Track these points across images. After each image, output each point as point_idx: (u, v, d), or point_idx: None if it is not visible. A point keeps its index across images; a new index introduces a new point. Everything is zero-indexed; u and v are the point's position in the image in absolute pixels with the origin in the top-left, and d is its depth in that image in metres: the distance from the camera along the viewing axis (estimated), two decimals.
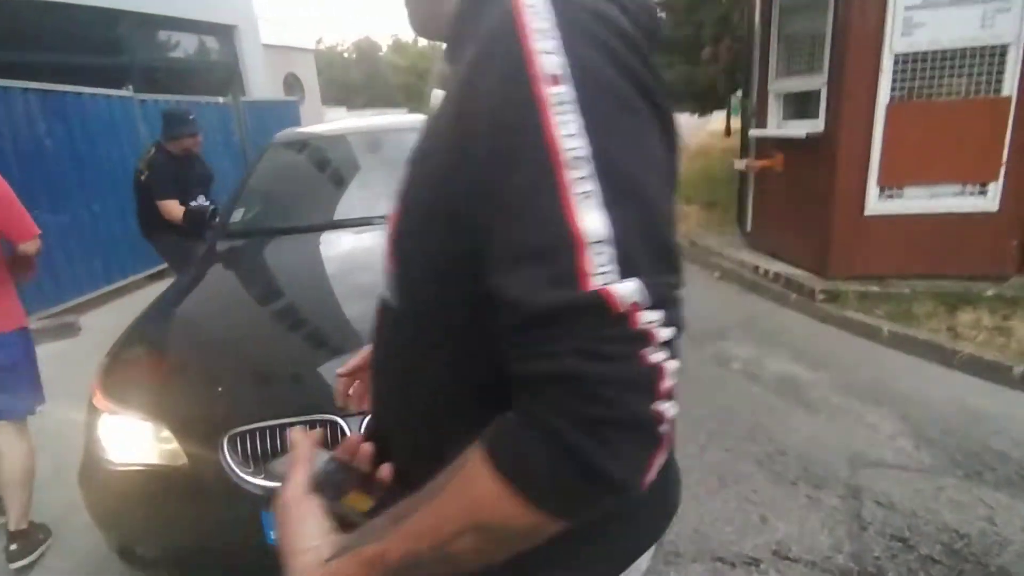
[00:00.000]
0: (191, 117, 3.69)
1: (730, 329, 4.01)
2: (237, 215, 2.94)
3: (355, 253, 2.49)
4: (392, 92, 30.47)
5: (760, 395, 3.11)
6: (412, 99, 29.37)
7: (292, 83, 20.78)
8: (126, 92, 6.50)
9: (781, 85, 4.58)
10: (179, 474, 1.64)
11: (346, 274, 2.31)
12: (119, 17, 8.47)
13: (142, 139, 6.67)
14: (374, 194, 3.04)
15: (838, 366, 3.39)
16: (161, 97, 7.07)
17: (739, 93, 13.65)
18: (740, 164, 4.88)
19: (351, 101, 26.54)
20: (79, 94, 5.79)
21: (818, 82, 4.11)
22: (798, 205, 4.44)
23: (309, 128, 3.89)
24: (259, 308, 2.19)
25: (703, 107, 14.41)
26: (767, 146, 4.76)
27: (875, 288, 4.04)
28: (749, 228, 5.28)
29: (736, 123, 18.72)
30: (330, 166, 3.29)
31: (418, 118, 4.00)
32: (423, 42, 36.06)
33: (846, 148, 3.94)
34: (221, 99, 8.45)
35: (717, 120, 23.65)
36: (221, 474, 1.60)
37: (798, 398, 3.06)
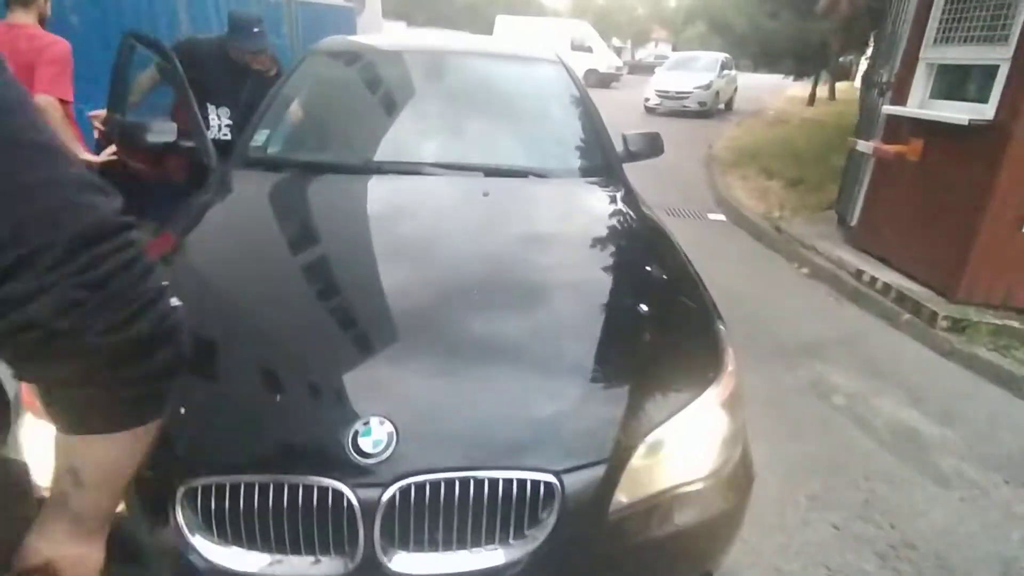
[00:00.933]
0: (256, 30, 2.89)
1: (827, 348, 3.35)
2: (260, 138, 2.34)
3: (413, 214, 1.90)
4: (457, 12, 28.96)
5: (874, 452, 2.48)
6: (476, 22, 27.84)
7: None
8: None
9: (939, 53, 3.69)
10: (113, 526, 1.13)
11: (397, 245, 1.73)
12: None
13: (183, 32, 6.07)
14: (439, 133, 2.42)
15: (970, 423, 2.72)
16: None
17: (850, 57, 12.11)
18: (864, 146, 4.05)
19: (412, 17, 25.29)
20: None
21: (998, 55, 3.24)
22: (932, 205, 3.64)
23: (361, 38, 3.22)
24: (270, 285, 1.55)
25: (803, 68, 12.79)
26: (901, 128, 3.91)
27: (1016, 324, 3.30)
28: (854, 221, 4.48)
29: (822, 91, 17.21)
30: (383, 90, 2.63)
31: (496, 43, 3.28)
32: None
33: (1021, 145, 3.11)
34: None
35: (795, 85, 21.76)
36: (170, 538, 1.09)
37: (923, 463, 2.43)
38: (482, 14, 27.53)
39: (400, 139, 2.34)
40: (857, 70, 18.18)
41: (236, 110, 2.96)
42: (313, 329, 1.40)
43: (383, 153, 2.29)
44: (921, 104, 3.83)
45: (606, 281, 1.66)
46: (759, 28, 8.83)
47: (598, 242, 1.85)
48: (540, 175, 2.20)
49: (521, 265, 1.66)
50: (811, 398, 2.85)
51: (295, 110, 2.47)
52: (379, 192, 2.06)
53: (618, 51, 41.05)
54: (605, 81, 22.54)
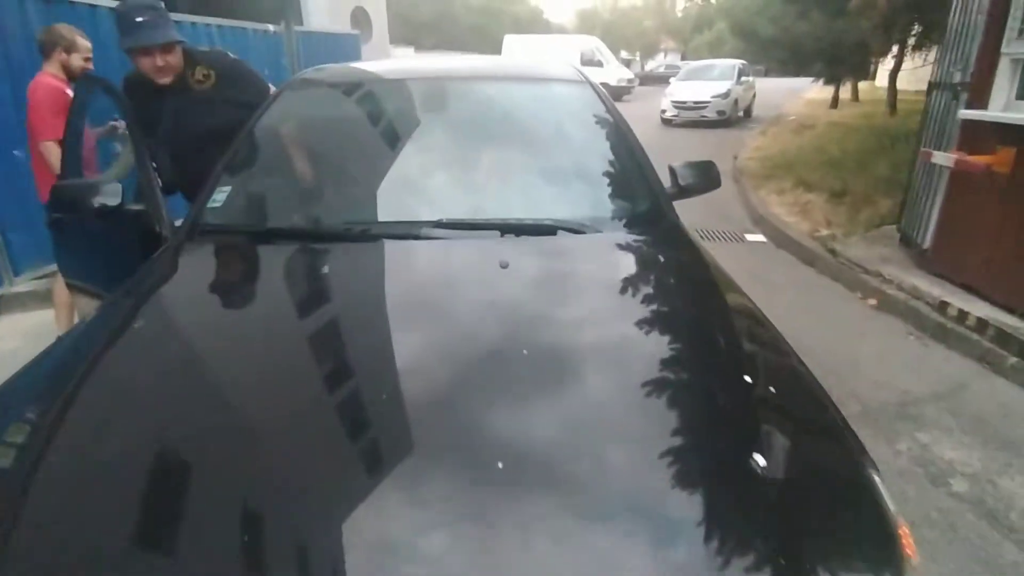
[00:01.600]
0: (140, 19, 2.08)
1: (924, 407, 2.76)
2: (220, 197, 1.87)
3: (403, 304, 1.40)
4: (464, 34, 28.86)
5: (1022, 563, 1.90)
6: (484, 43, 27.71)
7: (360, 18, 19.61)
8: None
9: None
10: None
11: (391, 362, 1.19)
12: None
13: None
14: (443, 181, 1.93)
15: None
16: (199, 19, 6.06)
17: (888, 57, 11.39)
18: (943, 158, 3.48)
19: (419, 42, 25.18)
20: (73, 3, 4.77)
21: None
22: None
23: (355, 64, 2.76)
24: (224, 411, 1.09)
25: (837, 71, 12.06)
26: (983, 136, 3.34)
27: None
28: (927, 243, 3.90)
29: (844, 92, 16.51)
30: (375, 130, 2.15)
31: (507, 63, 2.81)
32: None
33: None
34: (272, 27, 7.40)
35: (813, 88, 20.98)
36: None
37: None
38: (489, 35, 27.37)
39: (395, 193, 1.85)
40: (877, 69, 17.53)
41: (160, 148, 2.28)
42: (290, 476, 0.92)
43: (371, 212, 1.80)
44: (1007, 107, 3.26)
45: (694, 409, 1.11)
46: (788, 31, 8.30)
47: (669, 338, 1.32)
48: (573, 230, 1.69)
49: (562, 391, 1.12)
50: (923, 484, 2.27)
51: (267, 159, 2.00)
52: (363, 272, 1.56)
53: (627, 63, 40.81)
54: (618, 94, 22.09)
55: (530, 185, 1.89)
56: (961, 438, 2.54)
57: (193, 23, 5.97)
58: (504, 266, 1.48)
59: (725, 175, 8.33)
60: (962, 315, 3.33)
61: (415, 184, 1.87)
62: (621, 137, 2.09)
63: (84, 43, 3.17)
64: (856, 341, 3.43)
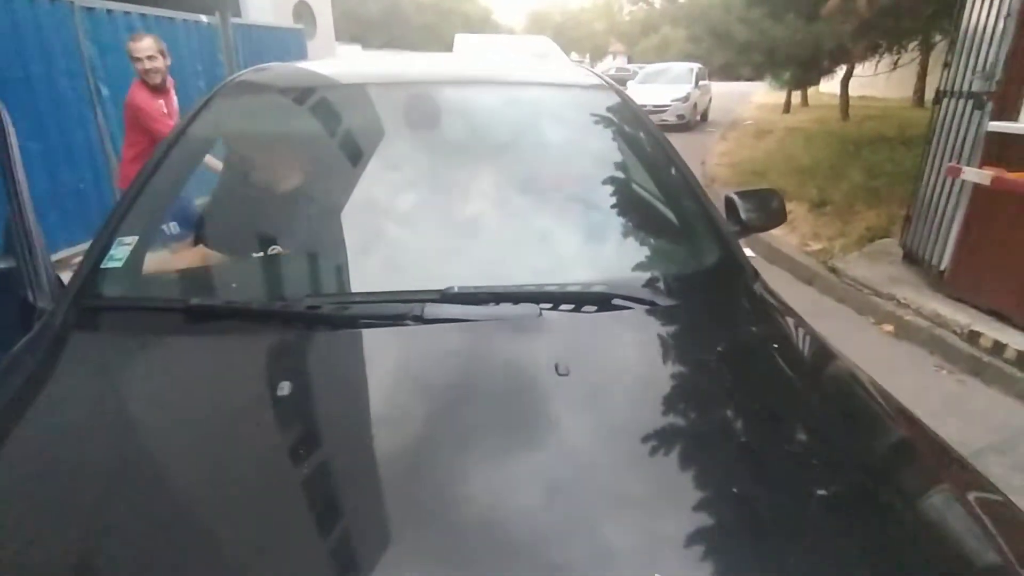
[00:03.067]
0: None
1: (986, 460, 2.41)
2: (120, 252, 1.28)
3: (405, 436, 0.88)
4: (413, 33, 27.92)
5: None
6: (434, 42, 26.97)
7: (303, 12, 18.57)
8: None
9: None
10: None
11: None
12: None
13: (88, 61, 4.94)
14: (443, 234, 1.38)
15: None
16: (114, 6, 5.26)
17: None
18: (976, 175, 3.16)
19: (367, 39, 24.15)
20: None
21: None
22: None
23: (308, 64, 2.16)
24: None
25: (808, 76, 12.08)
26: (1018, 150, 3.05)
27: None
28: (944, 265, 3.60)
29: (796, 98, 16.72)
30: (341, 157, 1.56)
31: (511, 66, 2.26)
32: None
33: None
34: (205, 18, 6.62)
35: (760, 92, 21.18)
36: None
37: None
38: (439, 34, 26.64)
39: (379, 249, 1.29)
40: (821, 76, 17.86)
41: None
42: None
43: (341, 282, 1.25)
44: None
45: None
46: (764, 33, 8.11)
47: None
48: (639, 299, 1.18)
49: None
50: None
51: (189, 198, 1.41)
52: (333, 398, 0.99)
53: (579, 66, 40.88)
54: None
55: (567, 235, 1.37)
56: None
57: (109, 10, 5.18)
58: (563, 374, 0.96)
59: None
60: (998, 347, 3.03)
61: (405, 236, 1.31)
62: (669, 161, 1.60)
63: (133, 45, 3.26)
64: (884, 376, 3.05)
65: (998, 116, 3.16)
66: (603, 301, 1.17)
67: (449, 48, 23.22)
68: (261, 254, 1.27)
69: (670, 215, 1.52)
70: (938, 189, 3.70)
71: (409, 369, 1.03)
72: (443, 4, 29.36)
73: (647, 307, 1.18)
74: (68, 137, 4.71)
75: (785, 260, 4.83)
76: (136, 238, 1.30)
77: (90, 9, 4.97)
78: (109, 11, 5.20)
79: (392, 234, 1.31)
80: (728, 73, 17.37)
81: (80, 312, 1.17)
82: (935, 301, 3.55)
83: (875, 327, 3.68)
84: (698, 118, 14.75)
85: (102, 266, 1.25)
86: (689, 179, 1.58)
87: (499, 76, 1.90)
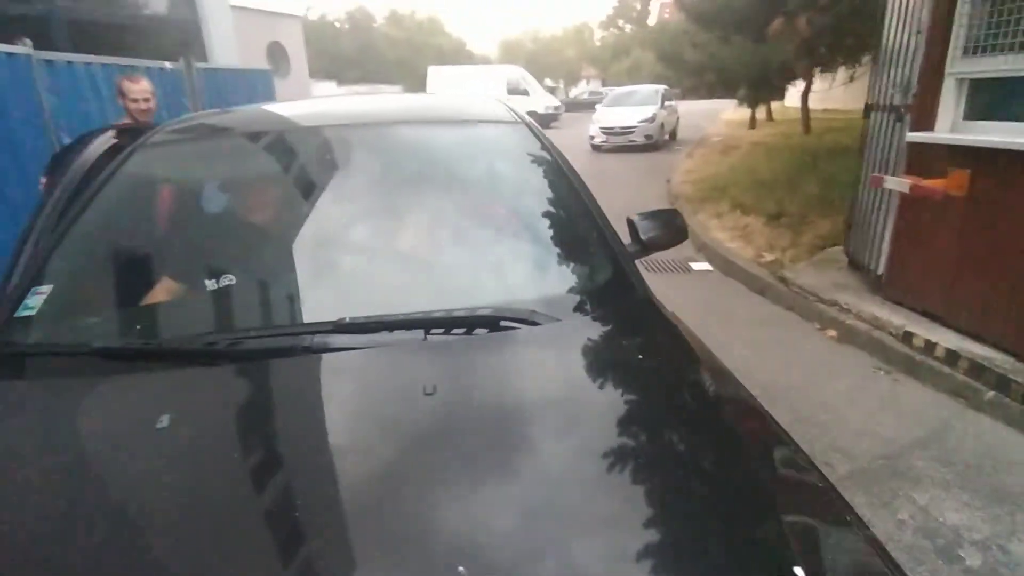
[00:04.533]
0: None
1: (912, 455, 2.50)
2: (33, 302, 1.35)
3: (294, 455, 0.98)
4: (387, 67, 28.41)
5: None
6: (408, 76, 27.43)
7: (275, 52, 18.88)
8: (22, 48, 4.82)
9: (973, 66, 3.02)
10: None
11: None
12: None
13: (49, 111, 5.03)
14: (339, 266, 1.48)
15: None
16: (76, 58, 5.39)
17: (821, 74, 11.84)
18: (896, 183, 3.32)
19: (342, 75, 24.54)
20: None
21: None
22: (993, 247, 2.92)
23: (239, 110, 2.26)
24: None
25: (761, 93, 12.48)
26: (933, 158, 3.22)
27: None
28: (881, 269, 3.75)
29: (761, 113, 17.17)
30: (266, 191, 1.66)
31: (423, 101, 2.38)
32: (422, 14, 33.97)
33: None
34: (169, 64, 6.75)
35: (729, 109, 21.70)
36: None
37: None
38: (412, 68, 27.11)
39: (274, 286, 1.38)
40: (786, 90, 18.39)
41: None
42: None
43: (241, 318, 1.33)
44: (954, 128, 3.15)
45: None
46: (714, 56, 8.40)
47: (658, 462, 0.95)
48: (523, 320, 1.26)
49: None
50: (936, 563, 1.97)
51: (98, 245, 1.49)
52: (215, 427, 1.06)
53: (552, 91, 41.62)
54: (545, 121, 22.28)
55: (461, 262, 1.47)
56: (959, 495, 2.27)
57: (69, 62, 5.30)
58: (430, 392, 1.04)
59: (660, 199, 8.36)
60: (929, 346, 3.15)
61: (307, 270, 1.40)
62: (570, 189, 1.71)
63: (131, 86, 3.27)
64: (825, 380, 3.18)
65: (916, 127, 3.33)
66: (490, 323, 1.26)
67: (423, 79, 23.74)
68: (164, 294, 1.36)
69: (564, 239, 1.61)
70: (871, 198, 3.87)
71: (290, 399, 1.11)
72: (416, 38, 29.95)
73: (531, 326, 1.27)
74: (30, 187, 4.77)
75: (740, 272, 4.97)
76: (51, 287, 1.38)
77: (49, 61, 5.08)
78: (69, 62, 5.31)
79: (294, 269, 1.40)
80: (710, 93, 17.83)
81: None
82: (874, 305, 3.69)
83: (819, 333, 3.80)
84: (666, 137, 15.09)
85: (14, 315, 1.33)
86: (588, 205, 1.69)
87: (410, 114, 2.02)
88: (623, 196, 8.61)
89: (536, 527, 0.82)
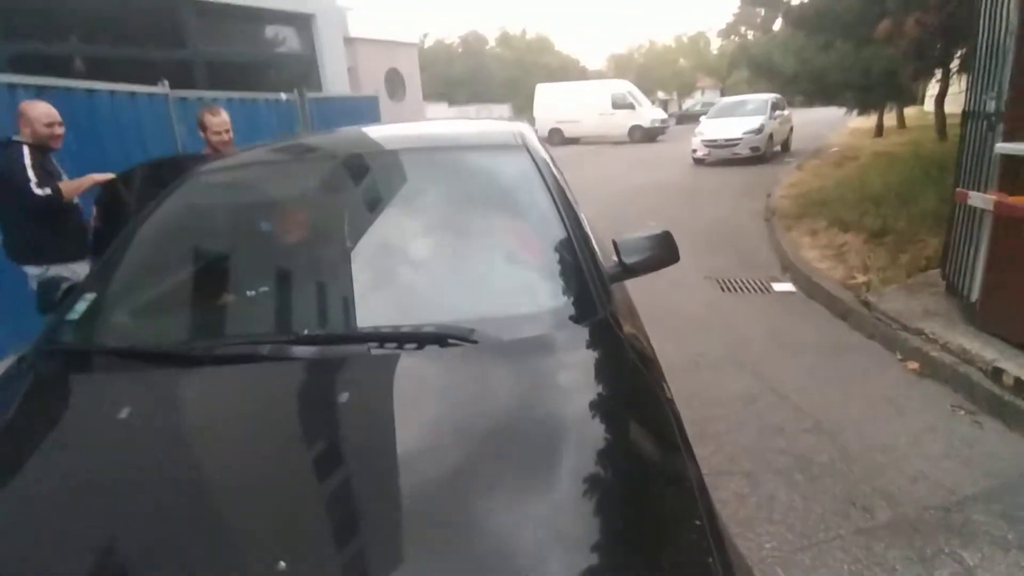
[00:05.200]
0: None
1: (973, 508, 2.22)
2: (80, 306, 1.64)
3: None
4: (496, 87, 29.47)
5: None
6: (517, 94, 28.20)
7: (393, 78, 20.26)
8: (159, 89, 5.64)
9: None
10: None
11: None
12: (176, 4, 7.82)
13: (178, 142, 5.82)
14: (346, 280, 1.65)
15: None
16: (205, 94, 6.19)
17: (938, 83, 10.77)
18: (980, 200, 2.98)
19: (453, 96, 25.78)
20: (91, 92, 4.93)
21: None
22: None
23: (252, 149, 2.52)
24: None
25: (867, 100, 11.54)
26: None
27: None
28: (975, 295, 3.35)
29: (890, 119, 15.68)
30: (249, 215, 1.89)
31: (438, 130, 2.53)
32: (531, 34, 34.79)
33: None
34: (284, 96, 7.54)
35: (858, 118, 19.90)
36: None
37: None
38: (521, 87, 27.88)
39: (235, 304, 1.58)
40: (925, 94, 16.65)
41: None
42: None
43: (220, 328, 1.54)
44: None
45: None
46: (808, 64, 7.88)
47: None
48: (460, 337, 1.34)
49: None
50: None
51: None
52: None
53: (664, 104, 40.74)
54: (651, 135, 21.92)
55: (427, 280, 1.58)
56: (1019, 558, 1.99)
57: (200, 98, 6.09)
58: (344, 402, 1.16)
59: (756, 216, 7.94)
60: (1020, 385, 2.77)
61: (266, 291, 1.59)
62: (554, 212, 1.76)
63: (211, 119, 3.49)
64: (891, 418, 2.89)
65: (1008, 137, 2.96)
66: (434, 339, 1.35)
67: (531, 98, 24.28)
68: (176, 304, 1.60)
69: (537, 262, 1.67)
70: (966, 215, 3.47)
71: (230, 402, 1.27)
72: (526, 58, 30.77)
73: (476, 344, 1.34)
74: None
75: (824, 295, 4.62)
76: (95, 294, 1.66)
77: (183, 99, 5.88)
78: (199, 98, 6.11)
79: (274, 288, 1.58)
80: (830, 101, 16.63)
81: (42, 354, 1.53)
82: (965, 336, 3.29)
83: (899, 364, 3.45)
84: (777, 148, 14.27)
85: (67, 317, 1.62)
86: (570, 228, 1.72)
87: (410, 142, 2.15)
88: (711, 213, 8.29)
89: (386, 531, 0.90)
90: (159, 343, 1.47)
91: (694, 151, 13.74)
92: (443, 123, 2.95)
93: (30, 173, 3.24)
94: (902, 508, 2.25)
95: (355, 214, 1.76)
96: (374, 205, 1.78)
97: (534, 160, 1.96)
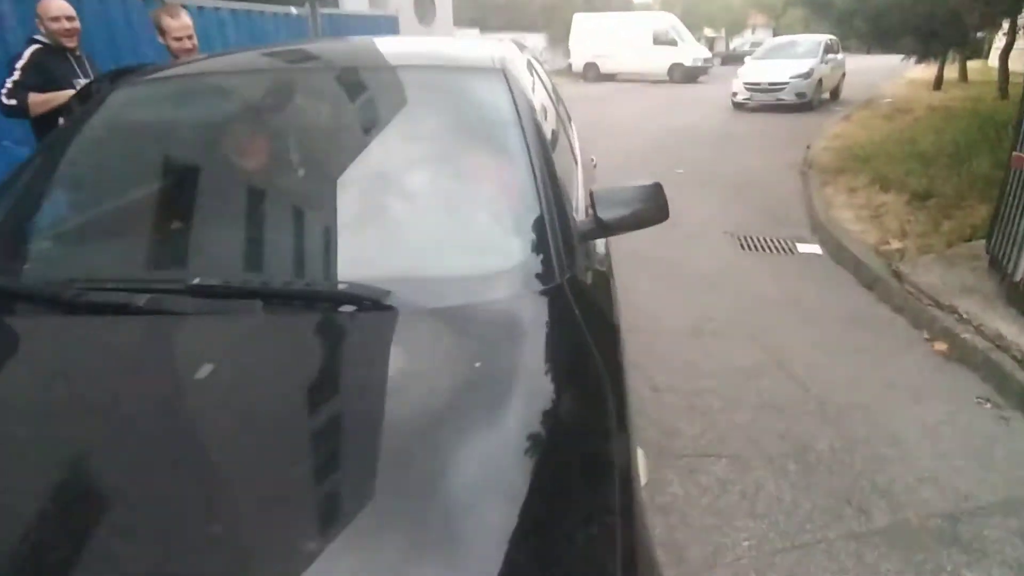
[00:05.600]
0: None
1: (985, 520, 1.96)
2: None
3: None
4: (533, 15, 27.83)
5: None
6: (555, 23, 26.67)
7: (423, 1, 19.23)
8: None
9: None
10: None
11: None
12: None
13: None
14: (263, 225, 1.40)
15: None
16: (205, 2, 5.79)
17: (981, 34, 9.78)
18: None
19: (485, 23, 24.44)
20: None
21: None
22: None
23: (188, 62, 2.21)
24: None
25: (928, 48, 10.53)
26: None
27: None
28: (1020, 275, 2.97)
29: (951, 71, 14.39)
30: (169, 142, 1.60)
31: (409, 47, 2.17)
32: None
33: None
34: (295, 10, 7.09)
35: (917, 67, 18.29)
36: None
37: None
38: (560, 15, 26.28)
39: (151, 241, 1.33)
40: (991, 47, 15.22)
41: None
42: None
43: (106, 267, 1.29)
44: None
45: None
46: (867, 1, 7.05)
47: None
48: (371, 300, 1.09)
49: None
50: None
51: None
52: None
53: (711, 42, 38.41)
54: (692, 75, 20.68)
55: (348, 231, 1.31)
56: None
57: (200, 7, 5.71)
58: (202, 378, 0.93)
59: (791, 169, 7.39)
60: None
61: (188, 228, 1.33)
62: (521, 153, 1.45)
63: (170, 22, 3.14)
64: (907, 405, 2.61)
65: None
66: (345, 301, 1.11)
67: (569, 27, 22.95)
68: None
69: (489, 213, 1.39)
70: (1019, 183, 3.03)
71: (95, 358, 1.05)
72: None
73: (392, 310, 1.10)
74: None
75: (852, 260, 4.24)
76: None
77: (184, 6, 5.51)
78: (200, 7, 5.73)
79: (175, 226, 1.34)
80: (887, 47, 15.35)
81: None
82: (1004, 319, 2.94)
83: (925, 344, 3.12)
84: (826, 96, 13.30)
85: None
86: (538, 172, 1.43)
87: (373, 60, 1.82)
88: (743, 162, 7.76)
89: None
90: (12, 282, 1.25)
91: (734, 94, 12.87)
92: (420, 40, 2.55)
93: (12, 77, 3.05)
94: (903, 512, 2.00)
95: (279, 143, 1.49)
96: (306, 133, 1.50)
97: (510, 88, 1.63)
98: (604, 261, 1.66)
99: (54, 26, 3.07)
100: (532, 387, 0.97)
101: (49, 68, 3.10)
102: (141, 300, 1.09)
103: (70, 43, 3.16)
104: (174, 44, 3.11)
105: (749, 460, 2.24)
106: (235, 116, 1.57)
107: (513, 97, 1.60)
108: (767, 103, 12.40)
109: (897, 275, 3.71)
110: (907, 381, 2.80)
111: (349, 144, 1.47)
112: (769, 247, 4.75)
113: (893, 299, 3.59)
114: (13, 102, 3.04)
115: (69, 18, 3.12)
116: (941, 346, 3.05)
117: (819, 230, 5.07)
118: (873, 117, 10.57)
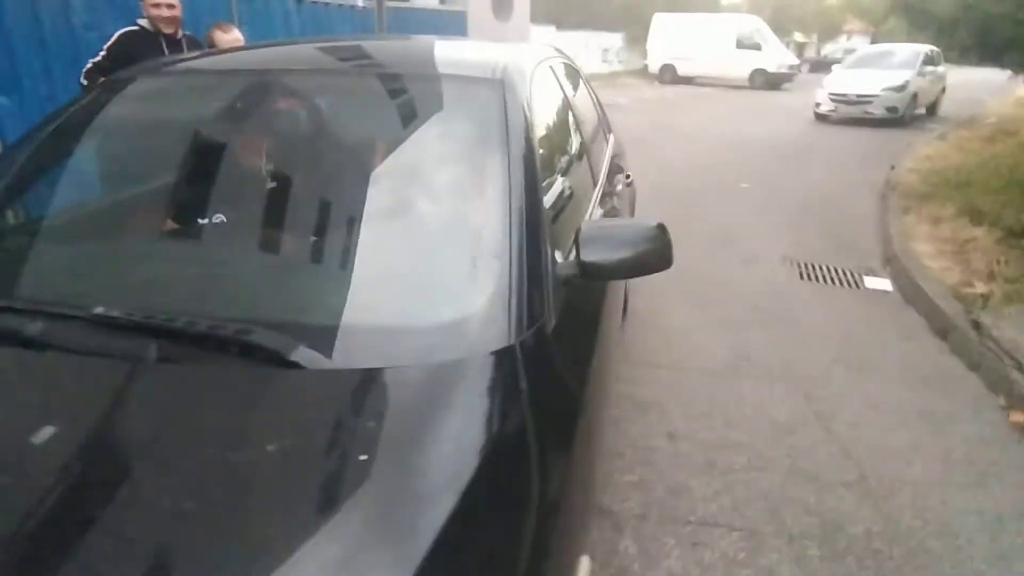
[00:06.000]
0: None
1: None
2: None
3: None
4: (612, 13, 27.18)
5: None
6: (634, 23, 25.98)
7: None
8: None
9: None
10: None
11: None
12: None
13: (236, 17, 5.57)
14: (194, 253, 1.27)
15: None
16: None
17: None
18: None
19: (562, 20, 24.04)
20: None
21: None
22: None
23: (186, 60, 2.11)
24: None
25: None
26: None
27: None
28: None
29: None
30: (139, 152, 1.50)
31: (405, 51, 1.98)
32: None
33: None
34: (362, 2, 7.11)
35: None
36: None
37: None
38: (640, 14, 25.55)
39: (71, 259, 1.21)
40: None
41: None
42: None
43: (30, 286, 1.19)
44: None
45: None
46: (973, 10, 6.32)
47: None
48: (273, 353, 0.93)
49: None
50: None
51: None
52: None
53: (801, 47, 36.54)
54: (774, 82, 19.68)
55: (275, 264, 1.15)
56: None
57: None
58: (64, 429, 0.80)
59: (871, 190, 6.78)
60: None
61: (120, 247, 1.21)
62: (499, 181, 1.26)
63: None
64: (968, 489, 2.23)
65: None
66: (244, 349, 0.95)
67: (647, 27, 22.30)
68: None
69: (441, 253, 1.19)
70: None
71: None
72: None
73: (298, 368, 0.93)
74: None
75: (926, 302, 3.77)
76: None
77: None
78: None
79: (104, 245, 1.22)
80: (991, 60, 13.96)
81: None
82: None
83: (1001, 413, 2.69)
84: (921, 111, 12.28)
85: None
86: (513, 206, 1.23)
87: (341, 62, 1.66)
88: (817, 180, 7.21)
89: None
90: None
91: (817, 104, 12.07)
92: (421, 41, 2.31)
93: (95, 58, 3.14)
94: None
95: (231, 160, 1.35)
96: (259, 147, 1.35)
97: (504, 102, 1.43)
98: (592, 306, 1.44)
99: (153, 12, 3.12)
100: (419, 498, 0.78)
101: (134, 52, 3.02)
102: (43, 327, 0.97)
103: (168, 29, 3.17)
104: (152, 11, 3.09)
105: (765, 538, 1.95)
106: (183, 124, 1.45)
107: (506, 113, 1.40)
108: (853, 116, 11.55)
109: (977, 325, 3.25)
110: (972, 457, 2.41)
111: (299, 160, 1.32)
112: (832, 278, 4.33)
113: (969, 353, 3.14)
114: (85, 82, 3.11)
115: (169, 5, 3.14)
116: (1019, 417, 2.62)
117: (892, 263, 4.57)
118: (972, 138, 9.63)
